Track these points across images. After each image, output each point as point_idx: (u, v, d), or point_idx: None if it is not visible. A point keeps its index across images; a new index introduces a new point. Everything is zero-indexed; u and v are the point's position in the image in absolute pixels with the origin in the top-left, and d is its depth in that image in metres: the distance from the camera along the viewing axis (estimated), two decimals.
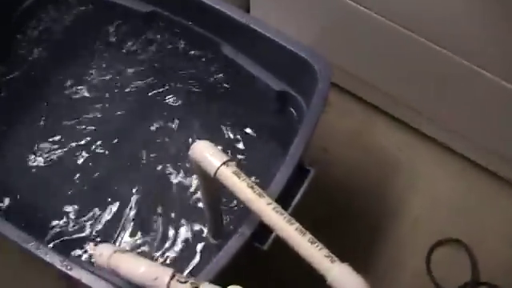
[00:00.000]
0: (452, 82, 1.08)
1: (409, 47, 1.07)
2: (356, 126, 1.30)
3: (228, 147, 1.05)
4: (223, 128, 1.08)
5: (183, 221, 1.01)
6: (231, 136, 1.07)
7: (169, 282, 0.66)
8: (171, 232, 1.01)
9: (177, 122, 1.09)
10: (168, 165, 1.06)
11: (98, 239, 0.98)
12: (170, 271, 0.67)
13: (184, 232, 1.01)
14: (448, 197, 1.22)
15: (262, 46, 0.97)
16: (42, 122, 1.09)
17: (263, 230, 0.80)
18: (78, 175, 1.04)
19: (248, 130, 1.07)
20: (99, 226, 1.00)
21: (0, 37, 1.10)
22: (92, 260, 0.77)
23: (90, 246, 0.89)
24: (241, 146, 1.06)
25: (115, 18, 1.13)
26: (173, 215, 1.02)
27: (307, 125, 0.86)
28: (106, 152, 1.07)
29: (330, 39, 1.20)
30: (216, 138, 1.06)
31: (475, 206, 1.21)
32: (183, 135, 1.08)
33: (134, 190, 1.03)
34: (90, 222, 1.00)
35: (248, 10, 1.26)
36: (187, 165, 1.04)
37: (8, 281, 1.12)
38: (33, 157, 1.06)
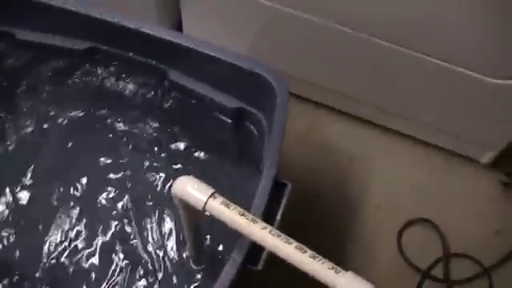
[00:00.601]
0: (386, 68, 1.11)
1: (339, 39, 1.09)
2: (306, 125, 1.31)
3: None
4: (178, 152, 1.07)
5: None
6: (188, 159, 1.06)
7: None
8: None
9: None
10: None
11: None
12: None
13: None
14: (406, 180, 1.26)
15: (208, 67, 0.97)
16: None
17: (254, 250, 0.81)
18: None
19: (201, 154, 1.08)
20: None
21: None
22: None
23: None
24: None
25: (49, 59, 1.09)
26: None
27: (276, 139, 0.87)
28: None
29: (262, 45, 1.21)
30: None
31: (434, 184, 1.25)
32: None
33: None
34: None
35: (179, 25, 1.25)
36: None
37: None
38: None
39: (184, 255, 0.99)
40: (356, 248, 1.18)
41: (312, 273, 0.68)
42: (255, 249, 0.81)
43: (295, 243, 0.70)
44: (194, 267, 1.00)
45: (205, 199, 0.72)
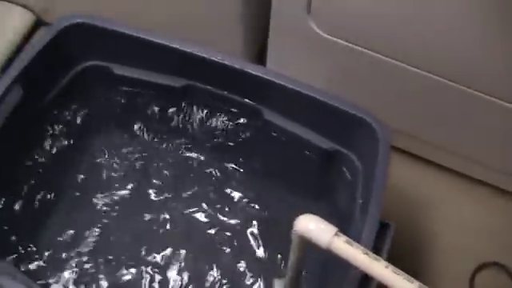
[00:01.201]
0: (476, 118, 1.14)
1: (427, 85, 1.11)
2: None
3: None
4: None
5: None
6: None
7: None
8: None
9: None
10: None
11: None
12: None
13: None
14: (475, 222, 1.28)
15: (308, 108, 1.00)
16: None
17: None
18: None
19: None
20: None
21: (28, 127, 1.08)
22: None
23: None
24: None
25: (149, 95, 1.13)
26: None
27: (380, 180, 0.90)
28: None
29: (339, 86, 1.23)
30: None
31: (504, 227, 1.27)
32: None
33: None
34: None
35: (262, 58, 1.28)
36: None
37: None
38: None
39: None
40: None
41: None
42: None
43: (417, 282, 0.72)
44: None
45: (329, 237, 0.74)
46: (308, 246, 0.82)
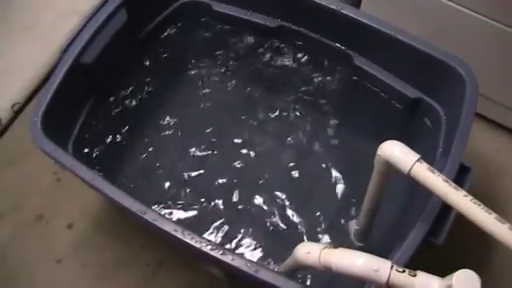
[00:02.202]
0: None
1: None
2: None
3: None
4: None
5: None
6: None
7: (390, 274, 0.70)
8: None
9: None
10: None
11: None
12: (388, 262, 0.71)
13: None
14: None
15: (397, 53, 1.01)
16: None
17: (436, 226, 0.85)
18: None
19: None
20: None
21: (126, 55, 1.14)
22: (295, 259, 0.80)
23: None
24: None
25: (243, 33, 1.17)
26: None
27: (466, 126, 0.91)
28: None
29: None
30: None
31: None
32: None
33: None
34: None
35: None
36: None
37: None
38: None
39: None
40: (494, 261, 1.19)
41: (509, 244, 0.72)
42: (437, 224, 0.85)
43: (494, 214, 0.73)
44: (356, 243, 1.05)
45: (412, 163, 0.76)
46: (389, 175, 0.84)
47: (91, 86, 1.07)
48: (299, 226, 1.10)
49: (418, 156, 0.77)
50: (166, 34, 1.18)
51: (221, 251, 0.83)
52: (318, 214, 1.11)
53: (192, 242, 0.84)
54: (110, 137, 1.13)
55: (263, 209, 1.12)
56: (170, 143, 1.19)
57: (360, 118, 1.15)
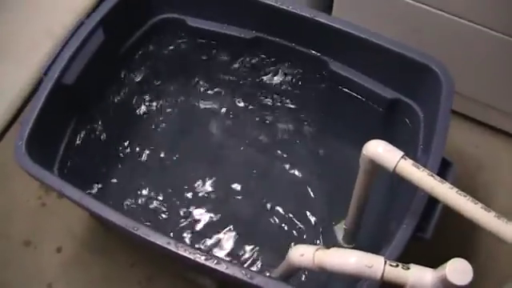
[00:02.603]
0: None
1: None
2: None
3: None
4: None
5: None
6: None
7: (384, 269, 0.71)
8: None
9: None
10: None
11: None
12: (381, 258, 0.72)
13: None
14: None
15: (372, 56, 1.04)
16: None
17: (422, 221, 0.87)
18: None
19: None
20: None
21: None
22: (289, 262, 0.81)
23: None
24: None
25: (217, 46, 1.19)
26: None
27: (443, 121, 0.93)
28: None
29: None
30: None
31: None
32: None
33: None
34: None
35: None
36: None
37: None
38: None
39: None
40: (479, 252, 1.22)
41: (496, 231, 0.74)
42: (423, 219, 0.87)
43: (480, 204, 0.75)
44: (344, 245, 1.07)
45: (396, 160, 0.78)
46: (374, 174, 0.86)
47: (73, 105, 1.08)
48: (288, 232, 1.12)
49: (401, 153, 0.79)
50: (143, 50, 1.19)
51: (215, 261, 0.84)
52: (307, 219, 1.13)
53: (186, 254, 0.85)
54: (96, 154, 1.14)
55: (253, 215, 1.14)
56: (156, 158, 1.20)
57: (341, 122, 1.18)
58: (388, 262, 0.72)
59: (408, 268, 0.71)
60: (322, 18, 1.04)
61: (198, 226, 1.14)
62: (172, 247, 0.85)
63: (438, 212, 0.86)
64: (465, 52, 1.18)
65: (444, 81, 0.96)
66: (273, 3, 1.06)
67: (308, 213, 1.14)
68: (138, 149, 1.22)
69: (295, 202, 1.16)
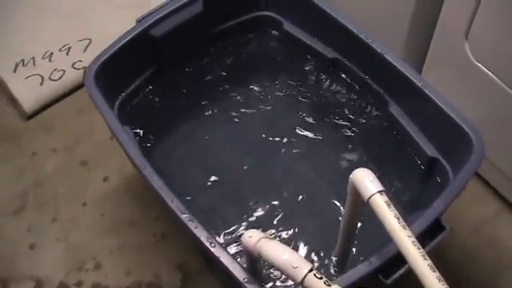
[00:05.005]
0: None
1: None
2: (484, 214, 1.33)
3: None
4: None
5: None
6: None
7: (306, 274, 0.75)
8: None
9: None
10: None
11: None
12: (309, 265, 0.76)
13: None
14: None
15: (428, 112, 1.06)
16: None
17: (391, 265, 0.88)
18: None
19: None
20: None
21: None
22: (240, 240, 0.87)
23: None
24: None
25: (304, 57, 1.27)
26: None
27: (457, 184, 0.93)
28: None
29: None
30: None
31: None
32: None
33: None
34: None
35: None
36: None
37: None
38: None
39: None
40: None
41: None
42: (393, 264, 0.88)
43: (429, 261, 0.76)
44: (333, 273, 1.09)
45: (373, 192, 0.81)
46: (359, 204, 0.89)
47: (153, 58, 1.19)
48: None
49: (382, 188, 0.81)
50: (234, 39, 1.29)
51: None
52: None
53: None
54: (156, 110, 1.24)
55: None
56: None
57: (387, 166, 1.18)
58: (315, 271, 0.75)
59: (329, 285, 0.74)
60: (410, 74, 1.07)
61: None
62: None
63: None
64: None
65: (476, 149, 0.97)
66: (376, 49, 1.10)
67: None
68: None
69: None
